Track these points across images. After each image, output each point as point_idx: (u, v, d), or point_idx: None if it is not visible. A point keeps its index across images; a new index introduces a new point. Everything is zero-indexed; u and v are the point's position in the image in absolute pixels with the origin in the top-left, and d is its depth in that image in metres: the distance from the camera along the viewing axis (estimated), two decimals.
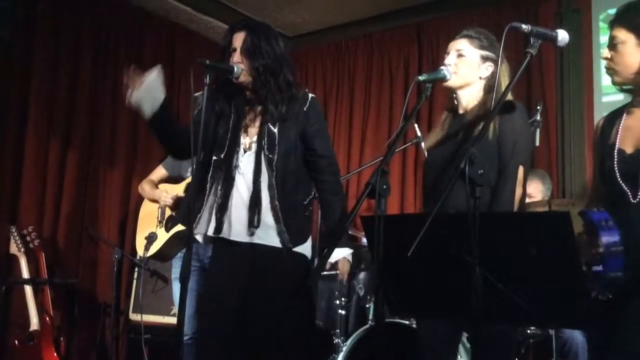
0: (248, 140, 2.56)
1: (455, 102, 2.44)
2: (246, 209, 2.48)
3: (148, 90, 2.36)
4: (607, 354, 1.92)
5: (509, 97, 2.33)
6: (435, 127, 2.53)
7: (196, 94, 2.47)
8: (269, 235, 2.48)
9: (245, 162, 2.53)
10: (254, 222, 2.46)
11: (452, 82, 2.37)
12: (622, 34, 1.98)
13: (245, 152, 2.54)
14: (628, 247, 1.86)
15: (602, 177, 2.05)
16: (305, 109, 2.55)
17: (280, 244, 2.48)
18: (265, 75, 2.51)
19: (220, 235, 2.50)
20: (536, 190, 3.65)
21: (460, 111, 2.43)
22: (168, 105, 2.47)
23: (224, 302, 2.48)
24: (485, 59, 2.37)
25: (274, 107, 2.52)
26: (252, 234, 2.47)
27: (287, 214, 2.48)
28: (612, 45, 2.01)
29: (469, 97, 2.40)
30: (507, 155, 2.24)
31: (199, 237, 2.58)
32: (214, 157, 2.56)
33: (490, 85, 2.34)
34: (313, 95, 2.63)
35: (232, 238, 2.49)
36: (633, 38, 1.97)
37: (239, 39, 2.53)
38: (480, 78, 2.38)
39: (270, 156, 2.49)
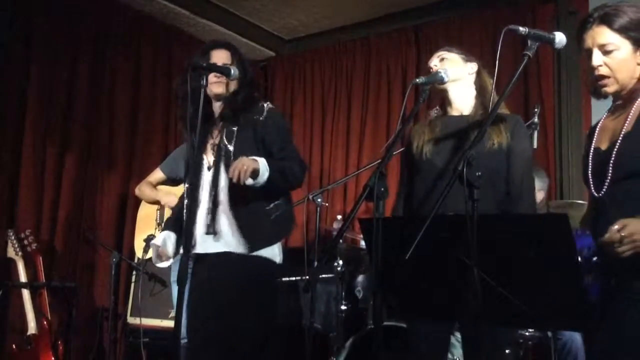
0: (211, 158, 2.69)
1: (448, 105, 2.46)
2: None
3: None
4: (605, 355, 1.92)
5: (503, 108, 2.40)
6: (422, 125, 2.54)
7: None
8: (228, 242, 2.60)
9: (206, 179, 2.67)
10: (209, 230, 2.61)
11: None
12: (618, 41, 1.92)
13: (209, 169, 2.68)
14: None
15: (584, 181, 2.06)
16: (262, 118, 2.67)
17: (239, 250, 2.59)
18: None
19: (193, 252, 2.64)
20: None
21: (454, 112, 2.44)
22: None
23: (196, 313, 2.64)
24: (466, 60, 2.46)
25: (231, 123, 2.67)
26: (210, 241, 2.60)
27: (245, 220, 2.59)
28: (607, 51, 1.94)
29: (462, 96, 2.43)
30: (519, 169, 2.32)
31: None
32: (186, 185, 2.74)
33: (481, 85, 2.42)
34: (271, 105, 2.76)
35: (199, 251, 2.63)
36: (629, 45, 1.92)
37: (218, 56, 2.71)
38: (469, 74, 2.45)
39: (227, 170, 2.59)
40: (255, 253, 2.59)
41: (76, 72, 4.60)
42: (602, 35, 1.94)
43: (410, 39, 5.12)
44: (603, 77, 1.95)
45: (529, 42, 1.92)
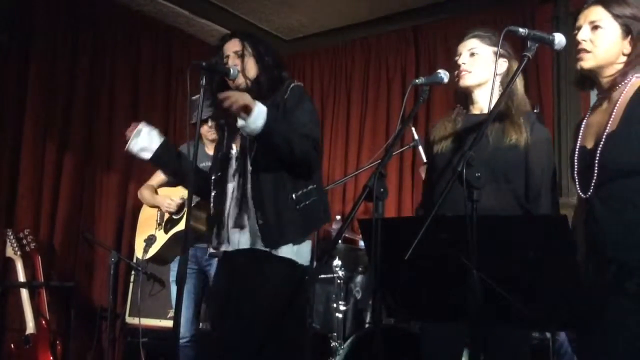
0: (237, 148, 2.59)
1: (470, 103, 2.43)
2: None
3: (141, 141, 2.50)
4: (590, 354, 1.92)
5: (527, 104, 2.39)
6: (444, 120, 2.49)
7: (193, 97, 2.48)
8: (252, 238, 2.47)
9: (233, 171, 2.56)
10: (236, 223, 2.47)
11: (468, 81, 2.37)
12: (609, 21, 1.95)
13: (236, 160, 2.56)
14: (597, 245, 1.89)
15: (572, 180, 2.06)
16: (285, 97, 2.53)
17: (259, 246, 2.44)
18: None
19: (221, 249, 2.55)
20: None
21: (476, 111, 2.42)
22: (167, 149, 2.57)
23: (214, 309, 2.59)
24: (498, 55, 2.35)
25: None
26: (238, 236, 2.48)
27: (267, 212, 2.43)
28: (595, 27, 1.96)
29: (486, 96, 2.38)
30: (537, 165, 2.28)
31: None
32: (213, 177, 2.61)
33: (505, 83, 2.34)
34: (296, 83, 2.59)
35: (229, 249, 2.52)
36: (619, 29, 1.95)
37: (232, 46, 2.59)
38: (496, 75, 2.37)
39: (250, 159, 2.49)
40: (277, 251, 2.43)
41: (76, 72, 4.60)
42: (595, 12, 1.97)
43: (409, 40, 5.12)
44: (584, 50, 1.97)
45: (528, 43, 1.92)
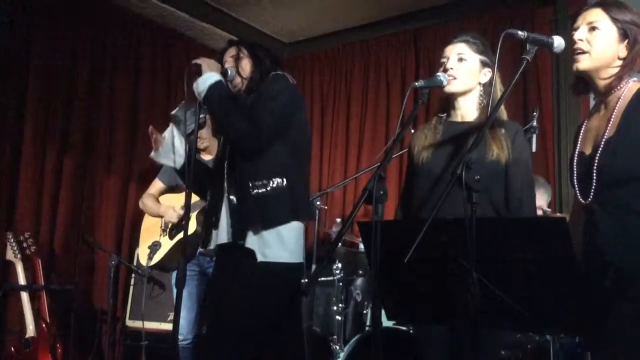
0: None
1: (452, 109, 2.43)
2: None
3: (167, 150, 2.61)
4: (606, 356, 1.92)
5: (505, 114, 2.38)
6: (424, 128, 2.50)
7: (172, 112, 2.58)
8: (226, 234, 2.52)
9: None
10: (219, 220, 2.55)
11: (453, 87, 2.36)
12: (606, 23, 1.97)
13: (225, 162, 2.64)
14: (596, 250, 1.90)
15: (571, 185, 2.06)
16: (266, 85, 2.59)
17: (229, 240, 2.49)
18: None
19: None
20: (541, 200, 3.63)
21: (458, 119, 2.41)
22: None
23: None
24: (484, 64, 2.38)
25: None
26: (220, 231, 2.55)
27: (235, 206, 2.49)
28: (593, 28, 1.98)
29: (468, 104, 2.39)
30: (518, 180, 2.27)
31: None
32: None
33: (488, 92, 2.34)
34: (276, 73, 2.63)
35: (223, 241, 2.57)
36: (616, 32, 1.96)
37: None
38: (480, 84, 2.38)
39: (227, 158, 2.57)
40: (243, 242, 2.43)
41: (76, 73, 4.60)
42: (594, 14, 1.99)
43: (409, 42, 5.13)
44: (580, 50, 1.98)
45: (527, 46, 1.92)
